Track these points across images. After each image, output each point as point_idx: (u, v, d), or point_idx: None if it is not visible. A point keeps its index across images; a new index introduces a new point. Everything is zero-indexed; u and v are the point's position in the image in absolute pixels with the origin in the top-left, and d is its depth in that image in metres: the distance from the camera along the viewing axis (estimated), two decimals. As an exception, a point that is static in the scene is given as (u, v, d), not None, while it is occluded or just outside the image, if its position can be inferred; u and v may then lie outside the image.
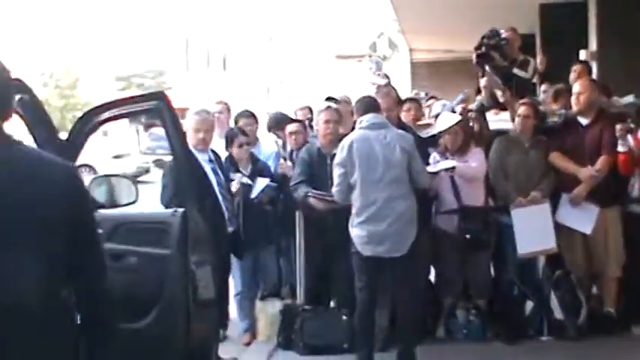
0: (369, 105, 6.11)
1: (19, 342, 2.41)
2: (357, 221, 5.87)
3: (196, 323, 4.45)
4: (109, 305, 2.63)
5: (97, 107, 4.81)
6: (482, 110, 7.48)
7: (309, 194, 6.46)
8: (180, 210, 4.51)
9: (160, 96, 4.76)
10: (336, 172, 5.97)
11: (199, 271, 4.55)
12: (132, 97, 5.36)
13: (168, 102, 4.67)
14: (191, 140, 6.08)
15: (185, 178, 4.82)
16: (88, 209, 2.66)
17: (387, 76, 8.63)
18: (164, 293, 4.36)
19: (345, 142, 5.94)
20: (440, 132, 6.85)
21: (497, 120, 7.17)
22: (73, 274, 2.54)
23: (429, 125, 7.29)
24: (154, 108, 4.67)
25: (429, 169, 6.42)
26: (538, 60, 8.50)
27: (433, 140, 6.92)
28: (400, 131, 6.17)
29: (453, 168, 6.57)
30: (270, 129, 7.85)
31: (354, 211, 5.90)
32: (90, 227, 2.63)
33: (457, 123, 6.79)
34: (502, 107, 7.51)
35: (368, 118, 5.97)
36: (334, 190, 6.02)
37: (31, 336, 2.42)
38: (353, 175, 5.85)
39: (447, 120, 6.92)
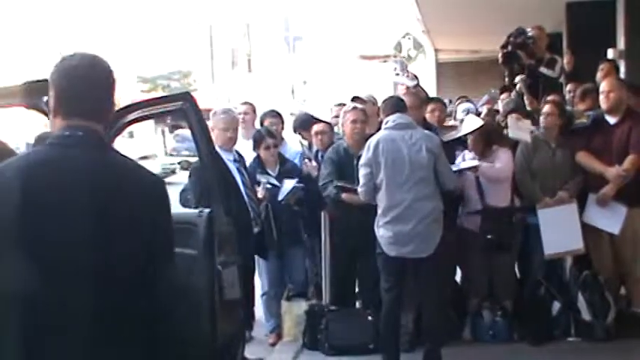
0: (395, 105, 6.09)
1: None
2: (382, 222, 5.85)
3: (222, 323, 4.45)
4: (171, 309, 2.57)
5: (123, 108, 4.83)
6: (510, 112, 7.43)
7: (339, 184, 6.46)
8: (207, 211, 4.51)
9: (185, 97, 4.78)
10: (362, 172, 5.95)
11: (225, 271, 4.56)
12: (158, 98, 5.39)
13: (194, 102, 4.68)
14: (218, 140, 6.11)
15: (211, 178, 4.83)
16: (168, 220, 2.59)
17: (415, 77, 8.59)
18: (190, 293, 4.37)
19: (371, 142, 5.93)
20: (462, 136, 6.84)
21: (517, 129, 7.04)
22: (147, 277, 2.48)
23: (453, 127, 7.27)
24: (180, 109, 4.69)
25: (452, 167, 6.39)
26: (565, 59, 8.43)
27: (459, 142, 6.90)
28: (426, 132, 6.15)
29: (476, 168, 6.54)
30: (295, 130, 7.85)
31: (379, 211, 5.88)
32: (167, 238, 2.58)
33: (479, 128, 6.76)
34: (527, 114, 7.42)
35: (394, 118, 5.94)
36: (360, 190, 6.00)
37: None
38: (379, 175, 5.83)
39: (470, 124, 6.90)
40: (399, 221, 5.76)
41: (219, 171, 5.13)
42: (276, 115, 7.66)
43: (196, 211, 4.67)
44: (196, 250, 4.39)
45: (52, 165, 2.45)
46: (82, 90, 2.50)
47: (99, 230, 2.40)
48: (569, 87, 8.04)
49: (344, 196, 6.46)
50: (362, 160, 5.98)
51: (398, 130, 5.89)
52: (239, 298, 4.79)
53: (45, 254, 2.36)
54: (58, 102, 2.52)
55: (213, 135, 5.81)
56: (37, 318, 2.35)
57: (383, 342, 6.05)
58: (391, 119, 5.95)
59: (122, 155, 2.60)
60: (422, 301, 6.06)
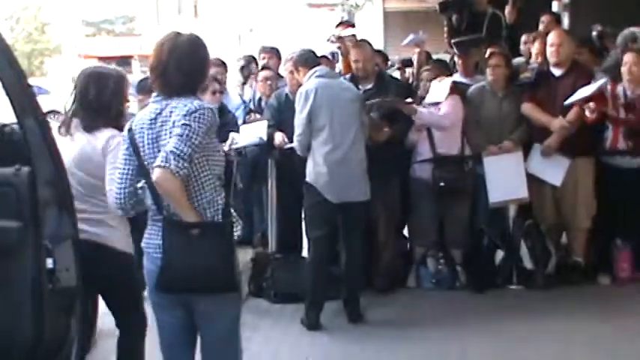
0: (315, 58, 6.18)
1: None
2: (321, 168, 5.81)
3: (53, 320, 3.51)
4: None
5: None
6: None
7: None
8: (26, 169, 3.41)
9: None
10: (300, 119, 5.87)
11: (58, 248, 3.57)
12: None
13: None
14: None
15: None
16: None
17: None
18: (6, 279, 3.40)
19: (308, 89, 5.85)
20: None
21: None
22: None
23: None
24: None
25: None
26: (507, 10, 8.34)
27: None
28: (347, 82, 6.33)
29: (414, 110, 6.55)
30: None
31: (315, 159, 5.84)
32: None
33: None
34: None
35: (320, 68, 6.03)
36: (296, 138, 5.94)
37: None
38: (319, 119, 5.80)
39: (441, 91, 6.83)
40: (341, 164, 5.77)
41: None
42: (221, 63, 7.51)
43: (11, 168, 3.46)
44: (14, 220, 3.38)
45: None
46: None
47: None
48: (523, 38, 7.98)
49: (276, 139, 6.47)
50: (300, 107, 5.87)
51: (329, 78, 5.98)
52: (75, 285, 3.71)
53: None
54: None
55: None
56: None
57: (312, 291, 5.95)
58: (319, 69, 5.99)
59: None
60: (345, 246, 6.00)
